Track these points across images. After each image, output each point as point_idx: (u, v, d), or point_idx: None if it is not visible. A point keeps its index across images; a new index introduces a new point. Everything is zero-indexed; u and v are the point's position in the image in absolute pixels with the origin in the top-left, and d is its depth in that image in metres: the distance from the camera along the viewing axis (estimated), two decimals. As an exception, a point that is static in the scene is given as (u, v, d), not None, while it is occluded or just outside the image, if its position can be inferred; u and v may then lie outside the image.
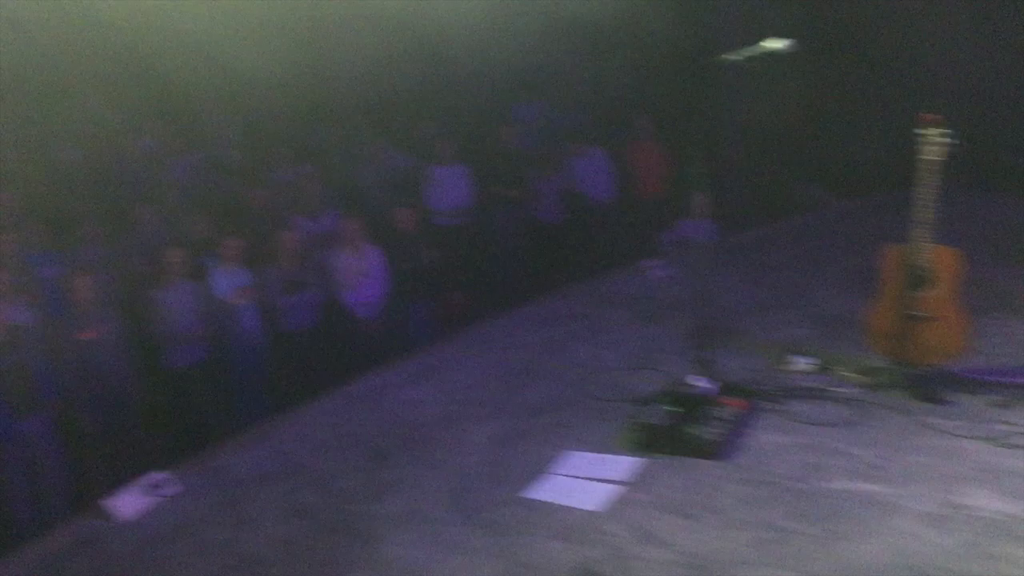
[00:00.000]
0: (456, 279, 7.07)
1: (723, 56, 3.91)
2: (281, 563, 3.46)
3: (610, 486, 3.74)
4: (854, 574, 3.12)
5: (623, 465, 3.89)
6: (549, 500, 3.69)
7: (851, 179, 8.33)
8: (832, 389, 4.41)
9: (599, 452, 4.03)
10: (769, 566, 3.19)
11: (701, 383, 4.33)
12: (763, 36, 3.88)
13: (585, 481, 3.81)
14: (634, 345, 5.21)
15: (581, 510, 3.60)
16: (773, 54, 3.86)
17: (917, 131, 4.24)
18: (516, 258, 7.83)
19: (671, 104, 8.69)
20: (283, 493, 3.98)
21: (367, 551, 3.44)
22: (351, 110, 8.84)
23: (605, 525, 3.49)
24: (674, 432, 4.00)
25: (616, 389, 4.63)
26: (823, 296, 5.66)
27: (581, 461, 3.97)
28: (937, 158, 4.19)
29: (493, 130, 8.45)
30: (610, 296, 6.13)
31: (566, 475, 3.86)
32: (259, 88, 8.14)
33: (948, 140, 4.19)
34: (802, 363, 4.67)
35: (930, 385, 4.28)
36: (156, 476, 4.07)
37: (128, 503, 3.91)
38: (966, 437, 3.89)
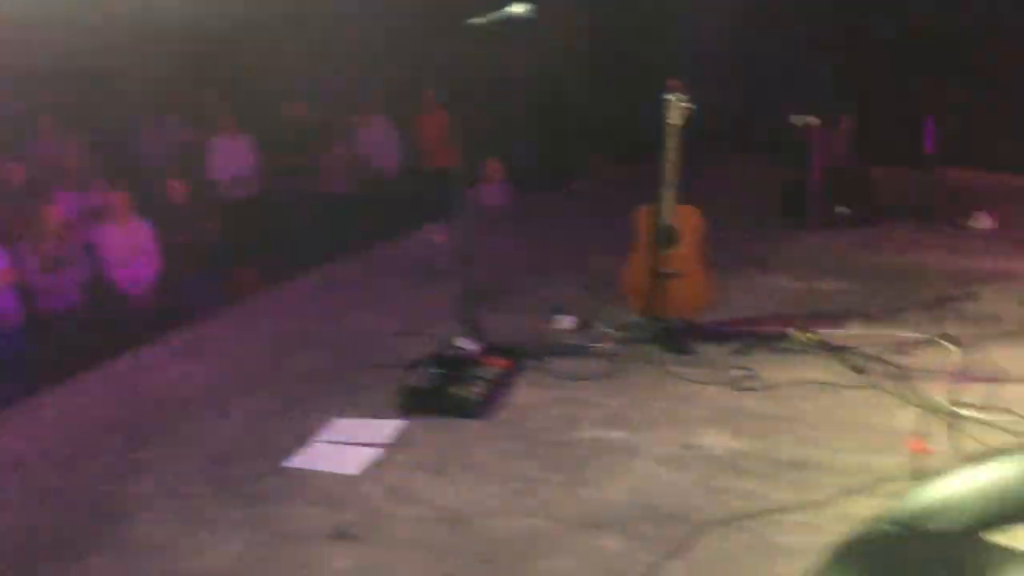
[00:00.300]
0: (240, 252, 6.91)
1: (470, 20, 3.98)
2: (23, 550, 3.30)
3: (371, 450, 3.78)
4: (595, 515, 3.30)
5: (386, 428, 3.94)
6: (309, 468, 3.69)
7: (628, 144, 8.71)
8: (591, 345, 4.64)
9: (366, 418, 4.07)
10: (518, 514, 3.32)
11: (467, 344, 4.43)
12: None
13: (347, 447, 3.83)
14: (410, 310, 5.27)
15: (340, 475, 3.63)
16: (516, 19, 3.97)
17: (664, 96, 4.50)
18: (302, 229, 7.73)
19: (458, 71, 8.76)
20: (30, 478, 3.79)
21: (113, 531, 3.33)
22: (126, 77, 8.42)
23: (362, 488, 3.53)
24: (438, 393, 4.08)
25: (388, 355, 4.67)
26: (594, 257, 5.90)
27: (345, 427, 3.99)
28: (680, 122, 4.45)
29: (278, 99, 8.27)
30: (390, 263, 6.17)
31: (329, 442, 3.88)
32: (27, 50, 7.58)
33: (689, 105, 4.45)
34: (566, 322, 4.88)
35: (678, 337, 4.57)
36: None
37: None
38: (705, 383, 4.20)
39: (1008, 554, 1.50)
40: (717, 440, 3.73)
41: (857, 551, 1.75)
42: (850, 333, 4.60)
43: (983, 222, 5.98)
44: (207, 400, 4.34)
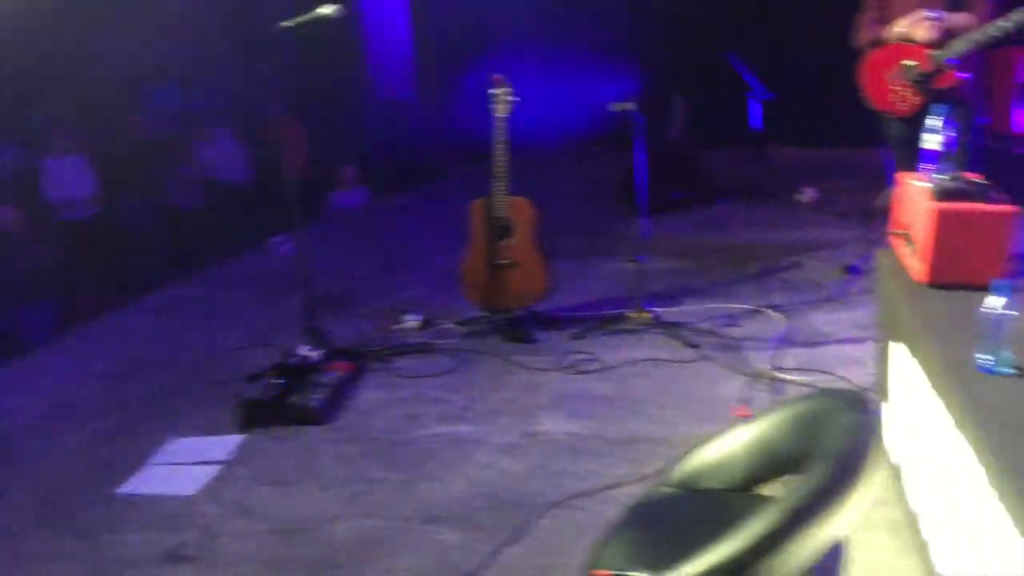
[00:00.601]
0: (81, 276, 6.64)
1: (280, 24, 3.95)
2: None
3: (209, 467, 3.71)
4: (436, 509, 3.32)
5: (225, 445, 3.87)
6: (144, 492, 3.60)
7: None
8: (436, 342, 4.67)
9: (205, 436, 3.98)
10: (358, 517, 3.32)
11: (308, 352, 4.39)
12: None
13: (184, 467, 3.74)
14: (253, 323, 5.19)
15: (177, 496, 3.55)
16: (326, 20, 3.96)
17: (489, 91, 4.57)
18: (149, 249, 7.49)
19: (307, 79, 8.65)
20: None
21: (-70, 579, 3.17)
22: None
23: (199, 507, 3.46)
24: (277, 404, 4.03)
25: (230, 370, 4.58)
26: (440, 256, 5.93)
27: (183, 448, 3.90)
28: (505, 115, 4.52)
29: (118, 116, 7.98)
30: (236, 277, 6.05)
31: (164, 464, 3.78)
32: None
33: (513, 98, 4.53)
34: (410, 320, 4.89)
35: (519, 327, 4.64)
36: None
37: None
38: (546, 370, 4.28)
39: (759, 499, 1.59)
40: (556, 424, 3.82)
41: (640, 512, 1.83)
42: (683, 310, 4.77)
43: (809, 196, 6.28)
44: (36, 432, 4.16)
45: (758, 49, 6.78)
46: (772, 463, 1.69)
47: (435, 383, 4.27)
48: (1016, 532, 1.83)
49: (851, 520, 1.44)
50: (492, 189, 4.58)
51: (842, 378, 3.87)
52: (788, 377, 3.97)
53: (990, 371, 2.37)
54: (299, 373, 4.24)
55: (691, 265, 5.43)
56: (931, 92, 4.31)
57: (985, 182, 3.00)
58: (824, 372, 3.95)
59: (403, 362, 4.50)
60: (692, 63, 7.16)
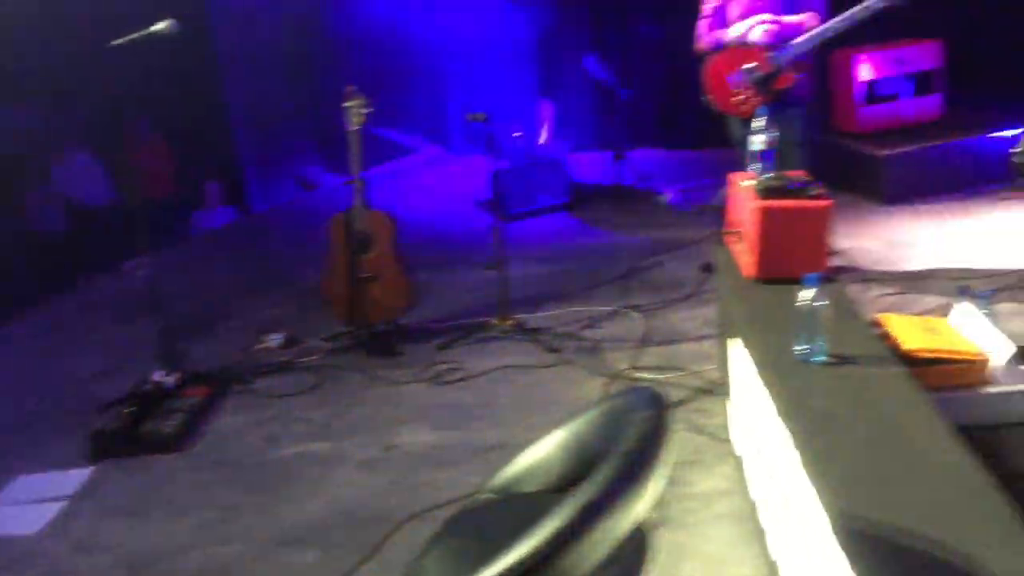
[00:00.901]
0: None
1: (113, 42, 3.84)
2: None
3: (56, 503, 3.56)
4: (292, 531, 3.27)
5: (74, 479, 3.72)
6: (-15, 534, 3.43)
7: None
8: (298, 360, 4.60)
9: (54, 470, 3.82)
10: (212, 544, 3.23)
11: (163, 378, 4.26)
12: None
13: (30, 505, 3.58)
14: (110, 350, 5.00)
15: (21, 537, 3.39)
16: (159, 35, 3.88)
17: (343, 104, 4.53)
18: (6, 274, 7.15)
19: (170, 94, 8.41)
20: None
21: None
22: None
23: (44, 546, 3.32)
24: (129, 433, 3.90)
25: (83, 399, 4.41)
26: (306, 272, 5.82)
27: (30, 484, 3.73)
28: (359, 127, 4.49)
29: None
30: (94, 302, 5.84)
31: (9, 504, 3.61)
32: None
33: (367, 110, 4.51)
34: (273, 340, 4.80)
35: (383, 340, 4.61)
36: None
37: None
38: (409, 382, 4.26)
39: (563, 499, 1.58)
40: (417, 437, 3.80)
41: (456, 524, 1.83)
42: (547, 314, 4.82)
43: (669, 196, 6.44)
44: None
45: (616, 53, 6.94)
46: (583, 462, 1.72)
47: (296, 402, 4.20)
48: (824, 515, 1.91)
49: (639, 513, 1.47)
50: (351, 203, 4.55)
51: (695, 373, 3.97)
52: (645, 376, 4.05)
53: (807, 360, 2.47)
54: (153, 400, 4.11)
55: (554, 269, 5.49)
56: (772, 93, 4.47)
57: (806, 179, 3.13)
58: (679, 369, 4.05)
59: (264, 382, 4.41)
60: (554, 69, 7.27)
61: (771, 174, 3.09)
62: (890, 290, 4.55)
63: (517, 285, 5.16)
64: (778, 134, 3.17)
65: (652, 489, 1.49)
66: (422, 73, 7.19)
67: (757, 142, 3.16)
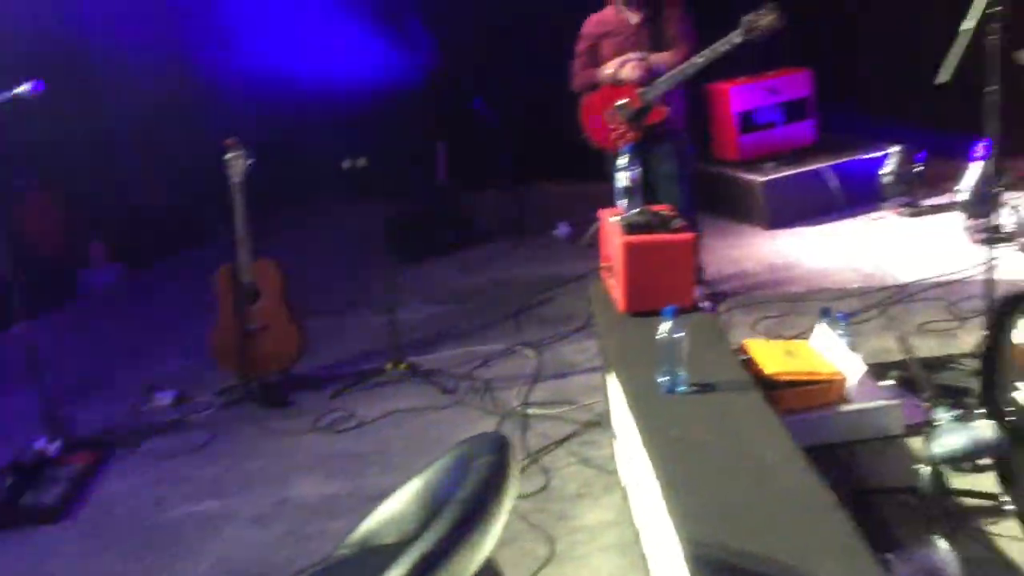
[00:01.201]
0: None
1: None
2: None
3: (-72, 586, 3.41)
4: (180, 596, 3.20)
5: (-52, 557, 3.57)
6: None
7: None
8: (189, 417, 4.51)
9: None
10: (95, 616, 3.14)
11: (45, 445, 4.13)
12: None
13: (-100, 589, 3.43)
14: (-8, 419, 4.83)
15: None
16: (22, 98, 3.82)
17: (225, 156, 4.51)
18: None
19: (58, 152, 8.21)
20: None
21: None
22: None
23: (-87, 631, 3.18)
24: (10, 505, 3.77)
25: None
26: (195, 327, 5.70)
27: (-100, 567, 3.57)
28: (242, 179, 4.47)
29: None
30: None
31: None
32: None
33: (248, 161, 4.49)
34: (162, 398, 4.71)
35: (275, 391, 4.56)
36: None
37: None
38: (302, 432, 4.23)
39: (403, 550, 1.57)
40: (310, 488, 3.77)
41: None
42: (442, 355, 4.83)
43: (563, 231, 6.54)
44: None
45: (504, 93, 7.06)
46: (433, 512, 1.73)
47: (186, 460, 4.12)
48: (678, 543, 1.96)
49: (480, 558, 1.50)
50: (236, 254, 4.51)
51: (585, 406, 4.03)
52: (536, 412, 4.10)
53: (671, 390, 2.55)
54: (34, 470, 3.98)
55: (452, 309, 5.52)
56: (645, 128, 4.61)
57: (668, 213, 3.23)
58: (570, 403, 4.11)
59: (153, 443, 4.31)
60: (448, 110, 7.34)
61: (636, 209, 3.19)
62: (770, 313, 4.71)
63: (412, 327, 5.19)
64: (641, 170, 3.28)
65: (492, 532, 1.52)
66: (309, 121, 7.18)
67: (622, 179, 3.26)
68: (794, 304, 4.78)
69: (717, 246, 5.79)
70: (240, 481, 3.89)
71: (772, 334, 4.41)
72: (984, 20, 3.06)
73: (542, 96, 5.71)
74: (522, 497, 3.44)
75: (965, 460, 2.48)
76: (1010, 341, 2.44)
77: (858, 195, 5.99)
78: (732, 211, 6.20)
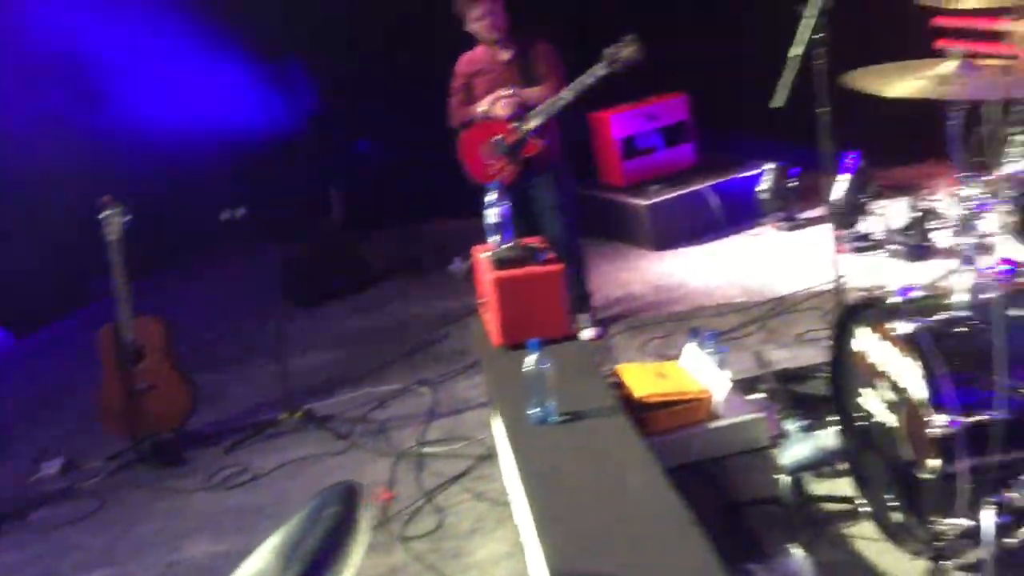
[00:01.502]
0: None
1: None
2: None
3: None
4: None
5: None
6: None
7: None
8: (78, 485, 4.39)
9: None
10: None
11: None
12: None
13: None
14: None
15: None
16: None
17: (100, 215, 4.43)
18: None
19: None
20: None
21: None
22: None
23: None
24: None
25: None
26: (82, 391, 5.52)
27: None
28: (119, 237, 4.40)
29: None
30: None
31: None
32: None
33: (125, 218, 4.42)
34: (49, 467, 4.57)
35: (167, 451, 4.47)
36: None
37: None
38: (194, 491, 4.15)
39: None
40: (201, 548, 3.71)
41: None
42: (337, 400, 4.81)
43: (459, 266, 6.58)
44: None
45: (395, 132, 7.12)
46: (289, 564, 1.73)
47: (75, 529, 4.00)
48: (547, 572, 2.00)
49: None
50: (117, 314, 4.42)
51: (479, 441, 4.05)
52: (431, 450, 4.10)
53: (543, 421, 2.60)
54: (-89, 553, 3.82)
55: (348, 351, 5.49)
56: (523, 161, 4.70)
57: (538, 245, 3.30)
58: (464, 439, 4.13)
59: (40, 514, 4.18)
60: (335, 153, 7.34)
61: (507, 244, 3.25)
62: (657, 334, 4.82)
63: (308, 372, 5.15)
64: (509, 204, 3.34)
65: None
66: (192, 172, 7.08)
67: (491, 215, 3.32)
68: (680, 323, 4.90)
69: (606, 270, 5.91)
70: (131, 547, 3.79)
71: (660, 355, 4.51)
72: (810, 46, 3.24)
73: (432, 133, 5.76)
74: (417, 538, 3.46)
75: (811, 469, 2.58)
76: (851, 349, 2.56)
77: (738, 213, 6.18)
78: (620, 235, 6.33)
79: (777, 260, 5.60)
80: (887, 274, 4.89)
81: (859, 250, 5.22)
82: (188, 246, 7.41)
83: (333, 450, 4.30)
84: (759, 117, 6.89)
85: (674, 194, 6.24)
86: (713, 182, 6.29)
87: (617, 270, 5.91)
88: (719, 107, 6.76)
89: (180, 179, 6.95)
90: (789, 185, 6.08)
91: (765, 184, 6.12)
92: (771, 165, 6.16)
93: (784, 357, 4.16)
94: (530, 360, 2.56)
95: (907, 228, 4.90)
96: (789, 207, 6.06)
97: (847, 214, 5.37)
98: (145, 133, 6.90)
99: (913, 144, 5.86)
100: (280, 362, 4.67)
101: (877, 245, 5.18)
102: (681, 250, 6.06)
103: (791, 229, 5.98)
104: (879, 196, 5.53)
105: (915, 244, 4.87)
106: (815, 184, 6.12)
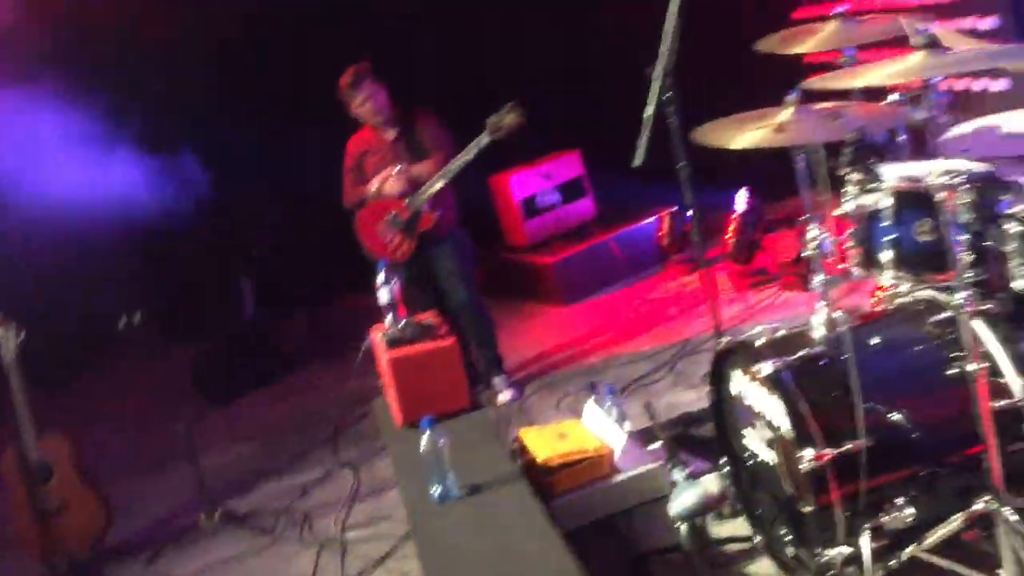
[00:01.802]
0: None
1: None
2: None
3: None
4: None
5: None
6: None
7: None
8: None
9: None
10: None
11: None
12: None
13: None
14: None
15: None
16: None
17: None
18: None
19: None
20: None
21: None
22: None
23: None
24: None
25: None
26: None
27: None
28: (13, 355, 4.31)
29: None
30: None
31: None
32: None
33: (19, 335, 4.34)
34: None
35: (87, 570, 4.35)
36: None
37: None
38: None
39: None
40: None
41: None
42: (259, 494, 4.74)
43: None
44: None
45: (294, 216, 7.15)
46: None
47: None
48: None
49: None
50: (19, 436, 4.31)
51: (401, 520, 4.02)
52: (354, 535, 4.07)
53: (444, 499, 2.61)
54: None
55: (266, 442, 5.43)
56: (419, 235, 4.77)
57: (430, 322, 3.35)
58: (386, 519, 4.10)
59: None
60: (235, 243, 7.32)
61: (400, 324, 3.28)
62: (570, 390, 4.88)
63: (227, 468, 5.07)
64: (398, 282, 3.39)
65: None
66: (89, 277, 6.92)
67: (383, 295, 3.36)
68: (591, 376, 4.97)
69: (518, 329, 5.97)
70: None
71: (573, 411, 4.55)
72: (659, 106, 3.38)
73: (334, 213, 5.79)
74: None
75: (699, 515, 2.64)
76: (730, 392, 2.64)
77: (640, 259, 6.33)
78: (529, 293, 6.42)
79: (680, 302, 5.73)
80: (784, 307, 5.06)
81: (754, 285, 5.38)
82: (100, 349, 7.26)
83: (256, 547, 4.24)
84: (649, 165, 7.14)
85: (577, 248, 6.36)
86: (614, 232, 6.44)
87: (529, 329, 5.98)
88: (610, 158, 6.93)
89: (80, 284, 6.81)
90: (684, 228, 6.25)
91: (663, 229, 6.29)
92: (667, 210, 6.33)
93: (692, 399, 4.26)
94: (425, 439, 2.58)
95: (796, 260, 5.07)
96: (688, 249, 6.22)
97: (742, 251, 5.55)
98: (35, 238, 6.72)
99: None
100: (193, 463, 4.59)
101: (772, 279, 5.35)
102: (589, 302, 6.17)
103: (692, 271, 6.13)
104: (771, 230, 5.72)
105: (805, 275, 5.04)
106: (715, 223, 6.35)
